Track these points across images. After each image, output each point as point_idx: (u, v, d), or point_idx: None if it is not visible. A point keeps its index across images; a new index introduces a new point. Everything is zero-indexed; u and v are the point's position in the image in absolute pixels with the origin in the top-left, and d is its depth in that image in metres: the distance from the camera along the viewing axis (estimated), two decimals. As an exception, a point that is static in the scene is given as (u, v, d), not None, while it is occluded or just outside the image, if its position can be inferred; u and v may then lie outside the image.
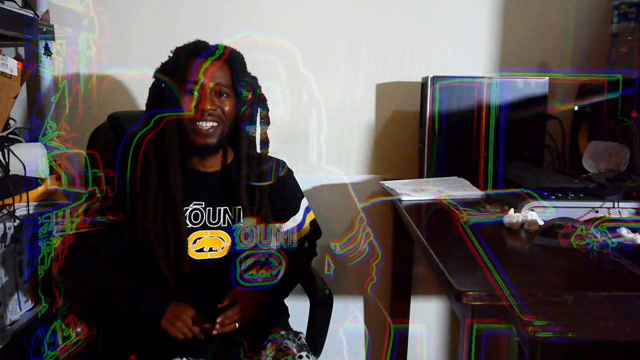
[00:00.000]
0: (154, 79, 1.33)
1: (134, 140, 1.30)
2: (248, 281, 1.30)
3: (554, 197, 1.22)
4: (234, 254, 1.31)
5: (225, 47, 1.32)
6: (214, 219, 1.33)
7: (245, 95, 1.32)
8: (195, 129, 1.27)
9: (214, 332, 1.23)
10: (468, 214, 1.21)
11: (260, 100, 1.37)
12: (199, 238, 1.31)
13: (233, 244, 1.32)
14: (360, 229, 1.84)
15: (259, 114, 1.37)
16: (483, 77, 1.67)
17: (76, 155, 1.67)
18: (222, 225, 1.33)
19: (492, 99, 1.61)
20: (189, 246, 1.29)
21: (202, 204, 1.33)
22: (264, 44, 1.72)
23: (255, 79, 1.37)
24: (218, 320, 1.23)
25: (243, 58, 1.35)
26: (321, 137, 1.82)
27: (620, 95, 1.53)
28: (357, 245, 1.84)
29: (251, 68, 1.37)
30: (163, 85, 1.30)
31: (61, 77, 1.74)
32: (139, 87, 1.72)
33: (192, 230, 1.31)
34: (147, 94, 1.34)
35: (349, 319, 1.92)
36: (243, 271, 1.31)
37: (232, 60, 1.31)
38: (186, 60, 1.28)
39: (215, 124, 1.28)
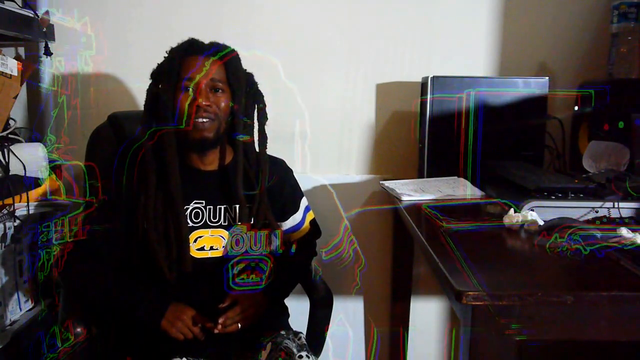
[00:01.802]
0: (150, 80, 1.32)
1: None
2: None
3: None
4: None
5: (219, 44, 1.32)
6: (214, 217, 1.33)
7: (240, 91, 1.32)
8: (191, 124, 1.27)
9: (216, 331, 1.23)
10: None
11: (256, 96, 1.37)
12: (200, 237, 1.31)
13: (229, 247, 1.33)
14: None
15: (255, 109, 1.37)
16: (483, 77, 1.67)
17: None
18: (222, 223, 1.33)
19: (491, 99, 1.61)
20: (190, 245, 1.29)
21: (202, 203, 1.32)
22: (262, 43, 1.73)
23: (250, 74, 1.38)
24: (220, 320, 1.23)
25: (238, 55, 1.34)
26: (318, 138, 1.81)
27: (618, 97, 1.54)
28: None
29: (247, 67, 1.37)
30: (160, 85, 1.30)
31: (61, 77, 1.74)
32: (138, 87, 1.72)
33: (193, 229, 1.31)
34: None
35: (348, 319, 1.92)
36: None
37: (227, 57, 1.31)
38: (180, 58, 1.28)
39: (211, 118, 1.28)
